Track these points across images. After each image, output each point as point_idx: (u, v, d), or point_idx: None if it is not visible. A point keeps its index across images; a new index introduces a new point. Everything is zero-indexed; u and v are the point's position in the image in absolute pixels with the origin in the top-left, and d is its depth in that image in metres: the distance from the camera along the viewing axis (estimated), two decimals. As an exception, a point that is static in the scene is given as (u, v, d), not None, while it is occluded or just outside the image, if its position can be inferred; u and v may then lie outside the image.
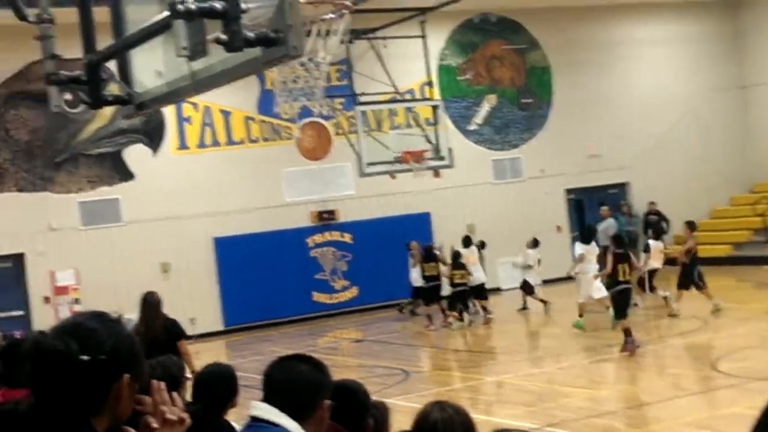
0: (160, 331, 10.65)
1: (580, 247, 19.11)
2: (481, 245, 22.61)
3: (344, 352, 20.39)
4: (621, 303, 15.99)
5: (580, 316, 18.33)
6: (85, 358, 2.56)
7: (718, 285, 21.80)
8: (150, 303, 11.16)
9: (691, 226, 19.89)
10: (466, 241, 22.01)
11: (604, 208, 25.84)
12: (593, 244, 19.07)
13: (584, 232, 19.96)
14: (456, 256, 21.25)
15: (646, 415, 11.66)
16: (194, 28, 3.99)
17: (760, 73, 30.00)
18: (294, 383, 3.60)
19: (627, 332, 15.43)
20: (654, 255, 19.90)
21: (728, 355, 14.82)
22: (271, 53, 4.09)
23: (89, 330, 2.63)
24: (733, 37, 30.50)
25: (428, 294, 21.32)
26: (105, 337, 2.63)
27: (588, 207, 28.98)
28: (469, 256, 21.47)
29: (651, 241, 20.82)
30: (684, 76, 29.88)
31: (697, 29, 30.10)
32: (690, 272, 18.81)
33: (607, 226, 24.92)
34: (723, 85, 30.18)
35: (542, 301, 21.65)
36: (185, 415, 2.84)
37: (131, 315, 20.05)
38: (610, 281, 16.35)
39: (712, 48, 30.22)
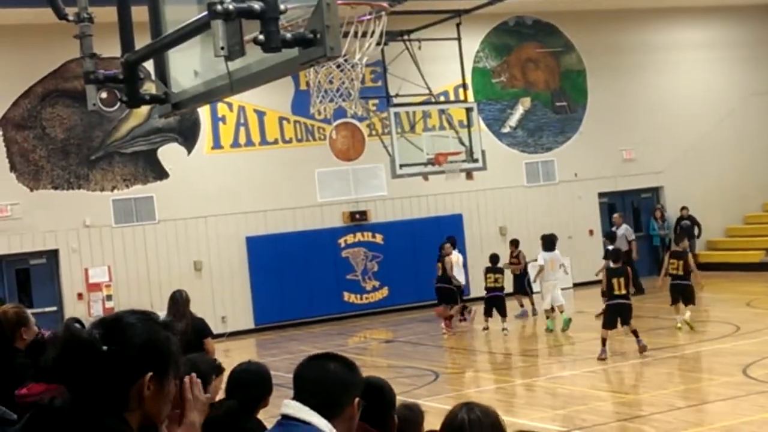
0: (187, 329, 10.73)
1: (542, 256, 19.64)
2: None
3: (374, 352, 20.41)
4: (609, 316, 16.06)
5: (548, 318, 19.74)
6: (104, 348, 2.59)
7: (749, 290, 21.67)
8: (178, 301, 11.28)
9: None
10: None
11: (616, 215, 25.69)
12: (556, 252, 19.69)
13: (546, 240, 19.98)
14: (494, 259, 20.95)
15: (677, 419, 11.61)
16: (232, 29, 4.03)
17: (797, 78, 29.73)
18: (324, 382, 3.62)
19: (603, 341, 15.86)
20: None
21: (760, 360, 14.72)
22: (309, 54, 4.12)
23: (124, 324, 2.67)
24: (769, 41, 30.27)
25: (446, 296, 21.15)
26: (138, 333, 2.66)
27: (621, 211, 28.83)
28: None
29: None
30: (721, 81, 29.67)
31: (735, 33, 29.88)
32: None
33: (625, 232, 24.82)
34: (760, 91, 29.93)
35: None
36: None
37: (161, 312, 20.18)
38: (609, 294, 16.40)
39: (750, 53, 29.99)
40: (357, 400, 3.62)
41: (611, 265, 16.59)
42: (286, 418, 3.61)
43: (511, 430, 4.20)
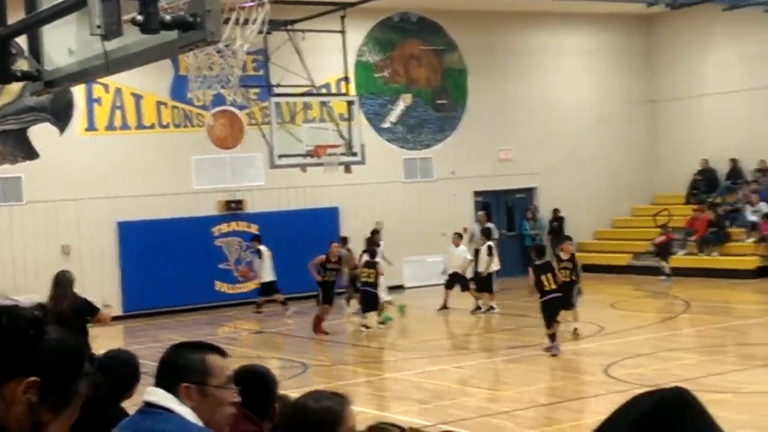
0: (67, 310, 10.84)
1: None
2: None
3: (243, 342, 20.29)
4: (548, 312, 16.07)
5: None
6: None
7: (615, 292, 22.29)
8: (60, 282, 11.36)
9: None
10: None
11: (481, 213, 26.25)
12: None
13: (370, 242, 21.20)
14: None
15: (541, 416, 11.87)
16: (110, 7, 3.95)
17: (669, 88, 30.73)
18: (163, 366, 3.60)
19: (552, 337, 15.99)
20: None
21: (621, 360, 15.16)
22: (188, 37, 4.06)
23: None
24: (647, 51, 31.17)
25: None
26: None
27: (495, 210, 29.35)
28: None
29: None
30: (597, 87, 30.43)
31: (612, 41, 30.68)
32: None
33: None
34: (634, 98, 30.82)
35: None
36: None
37: (29, 296, 19.63)
38: (541, 292, 16.26)
39: (626, 61, 30.83)
40: (185, 385, 3.57)
41: (536, 261, 16.57)
42: (148, 405, 3.55)
43: (376, 422, 4.21)
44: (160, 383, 3.56)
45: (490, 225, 25.03)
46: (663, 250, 25.96)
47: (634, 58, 30.96)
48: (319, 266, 19.73)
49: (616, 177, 30.26)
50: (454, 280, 21.81)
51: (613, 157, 30.34)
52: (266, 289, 22.54)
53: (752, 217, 26.36)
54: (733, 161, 28.72)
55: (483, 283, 21.53)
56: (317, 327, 19.38)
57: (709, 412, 1.97)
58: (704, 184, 29.27)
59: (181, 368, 3.58)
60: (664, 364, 14.85)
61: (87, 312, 11.31)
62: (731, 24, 28.24)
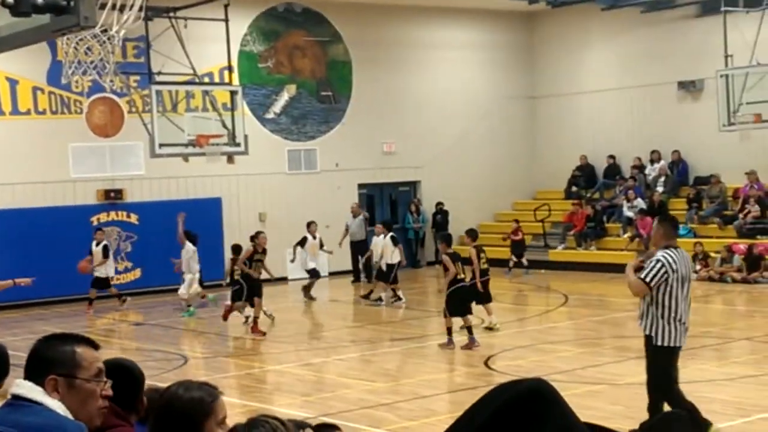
0: None
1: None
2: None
3: (122, 334, 19.94)
4: (454, 301, 15.77)
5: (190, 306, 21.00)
6: None
7: (497, 286, 22.52)
8: None
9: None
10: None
11: (354, 205, 26.48)
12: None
13: (191, 237, 21.49)
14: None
15: (421, 408, 11.95)
16: (-23, -13, 3.80)
17: (548, 84, 31.31)
18: (29, 358, 3.52)
19: (449, 330, 15.83)
20: None
21: (501, 353, 15.39)
22: (61, 22, 3.96)
23: None
24: (528, 48, 31.69)
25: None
26: None
27: (379, 203, 29.48)
28: None
29: None
30: (480, 81, 30.80)
31: (495, 37, 31.09)
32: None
33: (363, 222, 26.20)
34: (515, 94, 31.30)
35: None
36: None
37: None
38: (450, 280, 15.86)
39: (507, 56, 31.28)
40: (50, 377, 3.50)
41: (447, 250, 16.15)
42: (16, 398, 3.45)
43: (256, 415, 4.16)
44: (29, 376, 3.47)
45: (364, 215, 25.49)
46: (519, 246, 26.63)
47: (516, 54, 31.44)
48: (247, 259, 18.95)
49: (498, 171, 30.71)
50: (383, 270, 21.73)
51: (495, 151, 30.79)
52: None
53: (629, 213, 27.06)
54: (611, 158, 29.42)
55: (382, 273, 21.56)
56: (255, 327, 18.24)
57: (566, 402, 2.02)
58: (583, 180, 29.94)
59: (49, 360, 3.49)
60: (542, 356, 15.12)
61: None
62: (610, 23, 28.95)
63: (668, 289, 9.03)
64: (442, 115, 29.83)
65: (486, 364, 14.59)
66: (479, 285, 17.29)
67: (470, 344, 15.63)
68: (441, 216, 29.18)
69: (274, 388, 14.12)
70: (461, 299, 15.90)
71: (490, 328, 17.25)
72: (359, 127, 28.45)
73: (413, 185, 29.98)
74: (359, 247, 25.94)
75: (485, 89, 30.87)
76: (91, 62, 15.03)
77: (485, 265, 17.69)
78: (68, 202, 23.99)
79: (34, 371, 3.48)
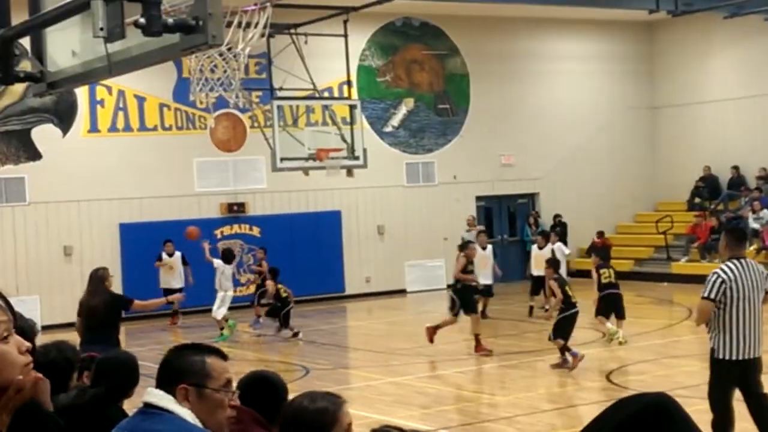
0: (99, 305, 11.62)
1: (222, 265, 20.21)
2: None
3: (244, 345, 20.28)
4: (566, 325, 15.39)
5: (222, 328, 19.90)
6: None
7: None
8: (93, 278, 12.07)
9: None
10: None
11: (470, 217, 26.32)
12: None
13: (226, 254, 20.66)
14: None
15: (541, 422, 11.86)
16: (113, 10, 3.96)
17: (670, 94, 30.75)
18: (160, 367, 3.62)
19: (563, 350, 15.39)
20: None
21: (623, 367, 15.15)
22: (190, 40, 4.07)
23: None
24: (649, 57, 31.20)
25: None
26: None
27: (497, 215, 29.37)
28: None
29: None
30: (599, 92, 30.44)
31: (614, 48, 30.69)
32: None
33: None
34: (636, 104, 30.83)
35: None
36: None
37: (29, 296, 19.67)
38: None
39: (627, 67, 30.84)
40: (181, 386, 3.58)
41: (554, 276, 15.75)
42: (148, 406, 3.56)
43: (379, 426, 4.21)
44: (160, 384, 3.57)
45: (479, 227, 25.20)
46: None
47: (636, 64, 30.98)
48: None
49: (619, 183, 30.27)
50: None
51: (616, 163, 30.36)
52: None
53: (755, 225, 26.33)
54: (735, 168, 28.71)
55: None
56: (479, 347, 16.93)
57: (690, 417, 2.00)
58: (707, 191, 29.27)
59: (180, 369, 3.59)
60: (666, 370, 14.83)
61: (119, 307, 12.05)
62: (732, 31, 28.26)
63: (728, 301, 8.88)
64: (560, 127, 29.57)
65: (608, 378, 14.38)
66: (596, 301, 17.11)
67: (562, 363, 15.14)
68: (560, 228, 28.87)
69: (394, 400, 14.17)
70: (572, 324, 15.38)
71: (619, 342, 16.91)
72: (477, 139, 28.40)
73: (531, 197, 29.78)
74: None
75: (604, 100, 30.49)
76: (217, 79, 15.40)
77: (607, 280, 17.33)
78: (193, 215, 24.55)
79: (166, 380, 3.58)
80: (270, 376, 4.74)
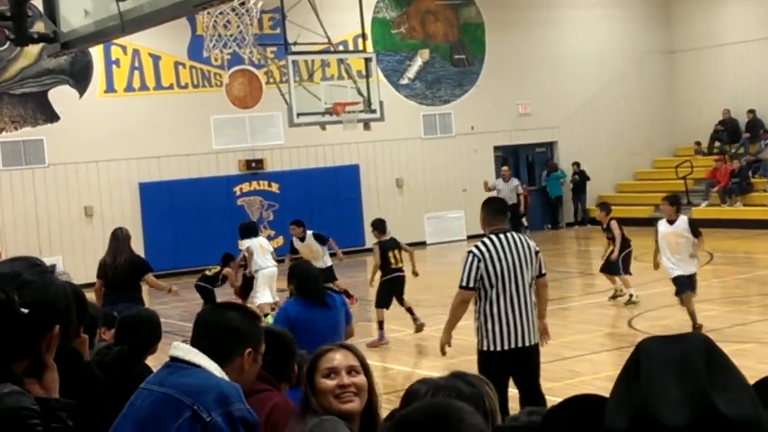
0: (123, 265, 11.62)
1: (247, 243, 16.39)
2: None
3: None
4: (384, 292, 14.58)
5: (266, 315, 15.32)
6: (24, 311, 2.54)
7: (639, 245, 22.13)
8: (119, 237, 11.99)
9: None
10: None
11: (505, 168, 26.31)
12: (260, 237, 16.98)
13: (244, 228, 16.95)
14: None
15: (563, 369, 11.90)
16: (123, -33, 3.94)
17: (686, 39, 30.46)
18: (219, 328, 3.67)
19: (380, 324, 14.47)
20: None
21: (644, 313, 15.17)
22: (202, -4, 4.06)
23: (27, 282, 2.62)
24: (664, 1, 30.86)
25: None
26: (42, 290, 2.62)
27: (515, 165, 29.29)
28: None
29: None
30: (615, 38, 30.18)
31: (629, -8, 30.38)
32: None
33: (516, 185, 26.07)
34: (652, 49, 30.56)
35: None
36: None
37: (51, 257, 19.79)
38: (384, 270, 14.59)
39: (642, 11, 30.55)
40: (248, 351, 3.65)
41: (380, 238, 14.79)
42: (174, 360, 3.61)
43: (410, 381, 4.24)
44: (217, 344, 3.63)
45: (515, 180, 25.13)
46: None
47: (652, 8, 30.67)
48: None
49: (636, 129, 30.09)
50: None
51: (633, 109, 30.16)
52: None
53: (775, 167, 26.20)
54: (751, 112, 28.49)
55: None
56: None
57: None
58: (726, 135, 29.08)
59: (246, 334, 3.69)
60: (688, 315, 14.83)
61: (141, 270, 12.02)
62: (752, -29, 27.92)
63: (487, 283, 7.82)
64: (577, 74, 29.37)
65: (630, 324, 14.40)
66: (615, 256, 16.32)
67: (376, 341, 14.21)
68: (579, 176, 28.82)
69: (417, 351, 14.25)
70: (389, 291, 14.52)
71: (632, 302, 16.53)
72: (494, 89, 28.25)
73: (549, 146, 29.67)
74: (510, 212, 25.60)
75: (620, 46, 30.23)
76: (231, 35, 15.33)
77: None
78: (212, 173, 24.61)
79: (230, 341, 3.66)
80: (278, 331, 4.76)
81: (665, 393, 1.74)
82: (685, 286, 12.89)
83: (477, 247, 7.89)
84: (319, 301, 7.61)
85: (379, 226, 15.11)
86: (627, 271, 16.48)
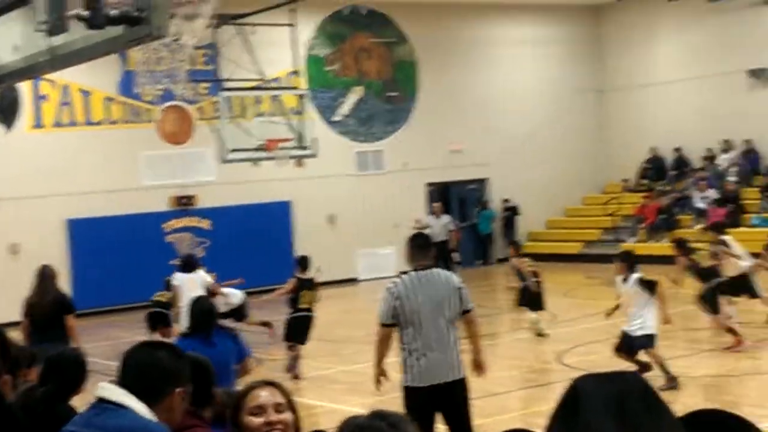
0: (49, 304, 11.37)
1: (179, 277, 16.22)
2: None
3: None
4: (294, 328, 14.67)
5: None
6: None
7: (569, 281, 22.42)
8: (44, 276, 11.75)
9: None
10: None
11: (436, 205, 26.47)
12: (199, 272, 16.43)
13: (186, 262, 16.67)
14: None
15: (494, 405, 11.95)
16: (54, 3, 3.92)
17: (616, 77, 31.05)
18: (148, 367, 3.60)
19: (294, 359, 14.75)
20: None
21: (574, 348, 15.30)
22: (134, 32, 4.05)
23: None
24: (595, 41, 31.45)
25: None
26: None
27: (446, 201, 29.48)
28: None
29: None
30: (546, 76, 30.63)
31: (561, 32, 30.90)
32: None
33: (447, 222, 26.19)
34: (582, 87, 31.07)
35: None
36: None
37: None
38: (294, 307, 14.70)
39: (573, 50, 31.07)
40: (179, 390, 3.60)
41: (300, 274, 14.75)
42: (101, 401, 3.55)
43: (337, 417, 4.23)
44: (146, 383, 3.56)
45: (446, 216, 25.22)
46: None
47: (583, 48, 31.22)
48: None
49: (567, 166, 30.52)
50: None
51: (564, 146, 30.60)
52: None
53: (700, 204, 26.70)
54: (677, 150, 29.09)
55: None
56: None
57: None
58: (653, 172, 29.62)
59: (177, 373, 3.63)
60: (629, 362, 14.98)
61: (63, 310, 11.60)
62: (677, 14, 28.60)
63: (406, 318, 7.83)
64: (509, 112, 29.73)
65: (559, 359, 14.52)
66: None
67: (292, 369, 14.55)
68: (509, 212, 29.14)
69: (347, 388, 14.19)
70: (298, 327, 14.61)
71: (540, 334, 16.83)
72: (426, 126, 28.47)
73: (481, 183, 29.93)
74: (441, 249, 25.20)
75: (552, 84, 30.69)
76: (163, 71, 15.24)
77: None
78: (141, 209, 24.37)
79: (161, 381, 3.59)
80: (198, 359, 4.75)
81: None
82: (643, 344, 12.79)
83: (394, 283, 7.91)
84: (204, 337, 7.64)
85: (303, 262, 15.02)
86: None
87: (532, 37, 30.49)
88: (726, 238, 15.60)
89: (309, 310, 14.65)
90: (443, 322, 7.83)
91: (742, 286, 15.15)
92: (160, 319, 16.36)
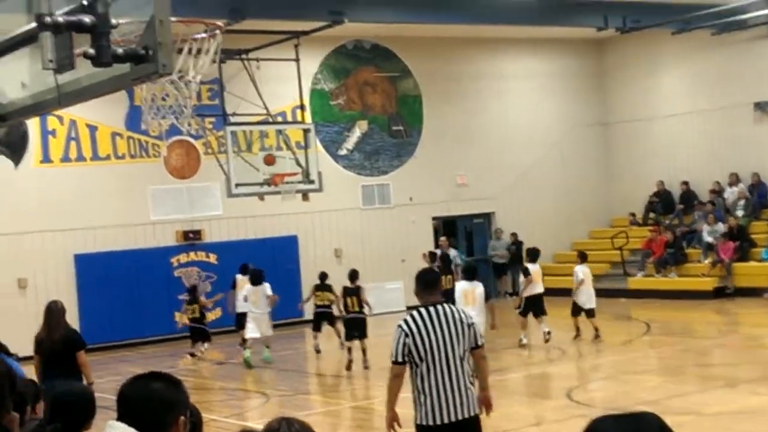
0: (59, 340, 11.35)
1: (249, 289, 19.46)
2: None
3: (204, 374, 20.12)
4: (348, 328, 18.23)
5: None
6: None
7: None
8: (52, 311, 11.72)
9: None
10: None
11: (443, 239, 26.37)
12: (265, 285, 19.40)
13: (255, 274, 19.67)
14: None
15: (503, 442, 11.85)
16: (62, 41, 3.92)
17: (620, 110, 31.08)
18: (148, 401, 3.58)
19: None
20: (536, 278, 20.19)
21: (583, 384, 15.20)
22: (140, 70, 4.05)
23: None
24: (598, 74, 31.52)
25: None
26: None
27: (455, 235, 29.43)
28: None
29: (530, 265, 20.94)
30: (551, 110, 30.68)
31: (564, 66, 30.97)
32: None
33: (455, 255, 25.94)
34: (587, 121, 31.11)
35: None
36: None
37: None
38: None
39: (577, 84, 31.14)
40: (182, 418, 3.59)
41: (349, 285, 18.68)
42: (110, 440, 3.53)
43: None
44: (149, 416, 3.54)
45: (452, 251, 25.10)
46: None
47: (587, 81, 31.29)
48: None
49: (573, 200, 30.48)
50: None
51: (569, 180, 30.58)
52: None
53: (708, 238, 26.61)
54: (685, 183, 29.04)
55: None
56: None
57: None
58: (660, 206, 29.56)
59: (177, 402, 3.63)
60: (626, 386, 14.90)
61: (74, 346, 11.55)
62: (681, 47, 28.65)
63: (416, 357, 7.72)
64: (513, 145, 29.76)
65: (568, 395, 14.42)
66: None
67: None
68: (515, 246, 29.03)
69: (357, 425, 14.12)
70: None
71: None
72: (431, 160, 28.50)
73: (487, 216, 29.90)
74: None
75: (557, 118, 30.74)
76: (169, 107, 15.31)
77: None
78: (149, 244, 24.38)
79: (163, 412, 3.57)
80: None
81: None
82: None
83: (405, 320, 7.77)
84: None
85: (351, 275, 19.39)
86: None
87: (536, 71, 30.57)
88: None
89: (360, 312, 18.46)
90: (455, 359, 7.74)
91: None
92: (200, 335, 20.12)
